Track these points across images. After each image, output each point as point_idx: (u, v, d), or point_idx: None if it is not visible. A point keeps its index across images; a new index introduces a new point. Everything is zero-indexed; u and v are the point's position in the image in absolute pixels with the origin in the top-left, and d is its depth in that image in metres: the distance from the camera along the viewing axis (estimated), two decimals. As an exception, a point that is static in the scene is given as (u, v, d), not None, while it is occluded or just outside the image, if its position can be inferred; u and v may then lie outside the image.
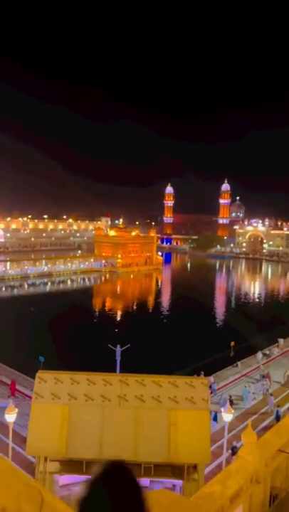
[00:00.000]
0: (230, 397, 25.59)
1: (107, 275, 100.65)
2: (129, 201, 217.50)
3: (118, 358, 26.81)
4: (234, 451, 18.73)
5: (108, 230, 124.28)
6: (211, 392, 26.29)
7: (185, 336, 44.13)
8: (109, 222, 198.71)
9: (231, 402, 23.69)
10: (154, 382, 9.61)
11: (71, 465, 8.48)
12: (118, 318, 55.68)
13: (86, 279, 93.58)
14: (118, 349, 27.07)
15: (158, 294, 79.61)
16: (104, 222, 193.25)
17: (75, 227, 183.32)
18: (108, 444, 8.53)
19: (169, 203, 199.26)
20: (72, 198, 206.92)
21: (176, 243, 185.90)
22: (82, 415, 8.90)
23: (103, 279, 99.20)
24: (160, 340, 42.23)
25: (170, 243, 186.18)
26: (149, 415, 9.12)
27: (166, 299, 72.72)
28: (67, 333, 43.83)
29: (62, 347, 38.08)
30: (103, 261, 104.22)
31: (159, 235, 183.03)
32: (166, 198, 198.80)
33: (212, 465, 17.61)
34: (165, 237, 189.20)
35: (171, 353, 36.84)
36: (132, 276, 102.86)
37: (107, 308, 62.15)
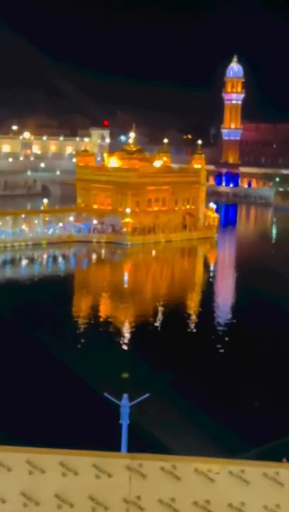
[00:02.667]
0: None
1: (104, 251, 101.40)
2: (148, 97, 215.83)
3: (125, 422, 27.36)
4: None
5: (106, 156, 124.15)
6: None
7: (260, 378, 45.28)
8: (108, 140, 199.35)
9: None
10: (198, 473, 9.83)
11: None
12: (124, 342, 56.50)
13: (59, 259, 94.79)
14: (125, 403, 27.53)
15: (207, 294, 79.94)
16: (96, 140, 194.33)
17: (36, 149, 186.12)
18: None
19: (235, 98, 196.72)
20: (33, 88, 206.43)
21: (249, 184, 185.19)
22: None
23: (95, 257, 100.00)
24: (208, 388, 43.30)
25: (235, 184, 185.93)
26: None
27: (223, 304, 73.16)
28: (20, 369, 45.09)
29: (12, 397, 39.25)
30: (94, 221, 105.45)
31: (212, 168, 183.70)
32: (229, 89, 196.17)
33: None
34: (225, 171, 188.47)
35: (231, 412, 38.05)
36: (153, 252, 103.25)
37: (101, 321, 63.05)
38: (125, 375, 43.44)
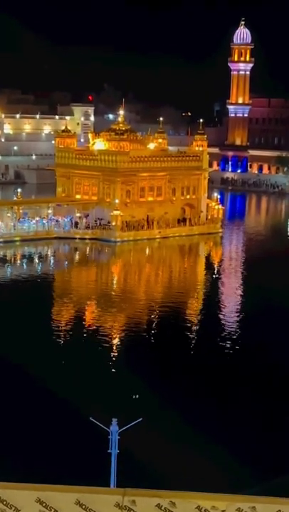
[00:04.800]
0: None
1: (88, 249, 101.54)
2: (140, 68, 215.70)
3: (114, 451, 27.46)
4: None
5: (90, 136, 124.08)
6: None
7: (274, 399, 45.67)
8: (93, 119, 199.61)
9: None
10: (200, 511, 9.97)
11: None
12: (112, 356, 56.85)
13: (36, 259, 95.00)
14: (114, 429, 27.62)
15: (210, 299, 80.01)
16: (79, 119, 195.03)
17: (8, 128, 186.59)
18: None
19: (243, 68, 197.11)
20: (4, 59, 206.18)
21: (259, 170, 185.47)
22: None
23: (77, 257, 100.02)
24: (214, 407, 43.65)
25: (244, 170, 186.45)
26: None
27: (230, 313, 73.21)
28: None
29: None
30: (78, 214, 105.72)
31: (216, 150, 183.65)
32: (236, 58, 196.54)
33: None
34: (231, 154, 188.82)
35: (238, 439, 38.11)
36: (147, 251, 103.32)
37: (85, 331, 63.27)
38: (114, 397, 43.58)
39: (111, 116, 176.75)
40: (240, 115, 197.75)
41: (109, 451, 27.41)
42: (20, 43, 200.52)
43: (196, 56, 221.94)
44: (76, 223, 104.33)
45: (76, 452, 34.96)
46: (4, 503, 9.85)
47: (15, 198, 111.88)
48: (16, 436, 38.05)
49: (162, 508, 9.67)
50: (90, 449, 30.60)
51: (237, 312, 73.68)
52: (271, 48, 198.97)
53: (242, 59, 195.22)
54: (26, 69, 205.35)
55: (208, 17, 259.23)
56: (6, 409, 42.17)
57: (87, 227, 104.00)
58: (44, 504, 9.82)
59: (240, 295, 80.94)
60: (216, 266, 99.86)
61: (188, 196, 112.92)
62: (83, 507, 9.53)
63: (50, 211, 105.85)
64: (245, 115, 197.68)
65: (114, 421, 27.84)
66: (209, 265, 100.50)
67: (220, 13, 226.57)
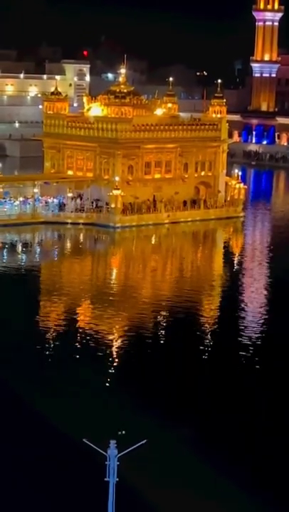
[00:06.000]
0: None
1: (82, 235, 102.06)
2: (144, 18, 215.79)
3: (112, 478, 27.73)
4: None
5: (85, 100, 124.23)
6: None
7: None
8: (89, 78, 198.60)
9: None
10: None
11: None
12: (110, 365, 57.10)
13: (19, 247, 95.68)
14: (112, 453, 27.93)
15: (229, 296, 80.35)
16: (72, 78, 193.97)
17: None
18: None
19: (270, 18, 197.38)
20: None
21: (288, 141, 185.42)
22: None
23: (69, 245, 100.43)
24: (227, 428, 44.04)
25: (270, 141, 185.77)
26: None
27: (253, 312, 73.62)
28: None
29: None
30: (69, 194, 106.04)
31: (237, 117, 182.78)
32: (262, 5, 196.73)
33: None
34: (256, 122, 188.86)
35: (256, 464, 38.73)
36: (153, 239, 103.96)
37: (79, 334, 63.57)
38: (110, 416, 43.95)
39: (110, 75, 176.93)
40: (267, 75, 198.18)
41: (106, 479, 27.74)
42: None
43: (213, 4, 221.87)
44: (62, 205, 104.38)
45: (69, 483, 35.31)
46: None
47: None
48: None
49: None
50: (85, 477, 30.78)
51: (261, 314, 74.00)
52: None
53: (269, 7, 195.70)
54: (8, 20, 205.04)
55: None
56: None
57: (81, 210, 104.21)
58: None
59: (266, 293, 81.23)
60: (236, 257, 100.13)
61: (203, 173, 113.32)
62: None
63: (36, 190, 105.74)
64: (273, 75, 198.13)
65: (113, 443, 28.20)
66: (228, 256, 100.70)
67: None
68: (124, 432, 28.90)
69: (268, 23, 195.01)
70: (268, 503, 34.70)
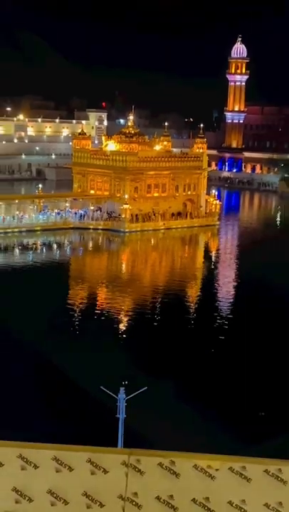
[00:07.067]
0: None
1: (101, 238, 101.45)
2: (148, 78, 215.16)
3: (121, 416, 27.52)
4: None
5: (103, 139, 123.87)
6: None
7: (265, 371, 45.33)
8: (106, 123, 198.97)
9: None
10: (197, 469, 9.82)
11: None
12: (121, 333, 56.79)
13: (54, 246, 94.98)
14: (122, 396, 27.69)
15: (208, 283, 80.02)
16: (94, 123, 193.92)
17: (31, 131, 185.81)
18: None
19: (239, 79, 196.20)
20: (28, 69, 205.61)
21: (252, 170, 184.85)
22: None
23: (91, 245, 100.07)
24: (211, 378, 43.60)
25: (239, 170, 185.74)
26: None
27: (225, 297, 73.16)
28: (12, 359, 45.41)
29: (3, 389, 39.45)
30: (91, 207, 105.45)
31: (214, 152, 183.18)
32: (233, 70, 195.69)
33: None
34: (228, 156, 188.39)
35: (233, 408, 38.26)
36: (152, 241, 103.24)
37: (97, 311, 63.20)
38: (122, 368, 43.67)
39: (122, 121, 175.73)
40: (236, 121, 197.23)
41: (117, 416, 27.49)
42: (43, 58, 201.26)
43: (198, 69, 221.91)
44: (86, 215, 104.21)
45: (88, 418, 35.05)
46: (25, 460, 9.97)
47: (37, 193, 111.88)
48: (37, 403, 38.19)
49: (163, 467, 9.71)
50: (101, 415, 30.61)
51: (231, 291, 73.86)
52: (264, 62, 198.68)
53: (238, 71, 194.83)
54: (48, 78, 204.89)
55: (209, 36, 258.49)
56: (28, 380, 42.23)
57: (100, 219, 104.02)
58: (59, 462, 9.91)
59: (234, 280, 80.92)
60: (213, 254, 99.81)
61: (189, 192, 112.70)
62: (94, 465, 9.61)
63: (67, 204, 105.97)
64: (241, 121, 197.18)
65: (122, 389, 27.95)
66: (207, 253, 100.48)
67: (219, 33, 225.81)
68: (126, 382, 28.73)
69: (237, 83, 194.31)
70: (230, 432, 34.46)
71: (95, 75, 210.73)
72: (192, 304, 69.41)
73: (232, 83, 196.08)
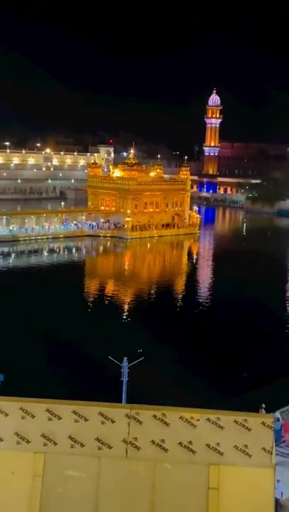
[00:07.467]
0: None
1: (109, 243, 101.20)
2: (145, 120, 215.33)
3: (125, 379, 27.28)
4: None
5: (111, 167, 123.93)
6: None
7: (235, 345, 44.97)
8: (113, 155, 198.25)
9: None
10: (182, 420, 9.72)
11: None
12: (125, 315, 56.44)
13: (74, 249, 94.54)
14: (125, 364, 27.46)
15: (191, 277, 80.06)
16: (103, 155, 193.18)
17: (55, 162, 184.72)
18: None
19: (214, 122, 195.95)
20: (52, 113, 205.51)
21: (224, 191, 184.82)
22: (65, 470, 9.10)
23: (101, 249, 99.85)
24: (194, 350, 43.24)
25: (214, 191, 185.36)
26: (175, 473, 9.25)
27: (204, 286, 73.05)
28: (42, 336, 44.87)
29: (35, 359, 39.19)
30: (102, 220, 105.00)
31: (195, 178, 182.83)
32: (210, 115, 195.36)
33: None
34: (206, 180, 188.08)
35: (211, 373, 37.78)
36: (148, 245, 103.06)
37: (107, 299, 62.98)
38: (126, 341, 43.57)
39: (125, 153, 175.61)
40: (212, 154, 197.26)
41: (121, 379, 27.30)
42: (62, 108, 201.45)
43: (184, 114, 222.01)
44: (95, 226, 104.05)
45: (99, 380, 34.85)
46: (51, 413, 9.80)
47: (60, 209, 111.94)
48: (59, 366, 37.88)
49: (157, 418, 9.63)
50: (109, 380, 30.41)
51: (208, 284, 73.78)
52: (234, 108, 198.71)
53: (213, 116, 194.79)
54: (69, 120, 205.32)
55: (191, 89, 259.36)
56: (51, 350, 41.87)
57: (105, 229, 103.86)
58: (77, 414, 9.76)
59: (211, 274, 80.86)
60: (194, 255, 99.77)
61: (176, 208, 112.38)
62: (103, 416, 9.49)
63: (83, 217, 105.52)
64: (216, 154, 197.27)
65: (125, 359, 27.76)
66: (190, 255, 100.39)
67: (200, 87, 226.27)
68: (141, 350, 28.49)
69: (212, 125, 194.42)
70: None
71: (107, 119, 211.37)
72: (179, 293, 69.35)
73: (209, 125, 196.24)
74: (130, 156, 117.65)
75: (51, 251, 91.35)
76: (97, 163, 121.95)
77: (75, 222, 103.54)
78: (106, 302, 60.96)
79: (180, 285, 74.29)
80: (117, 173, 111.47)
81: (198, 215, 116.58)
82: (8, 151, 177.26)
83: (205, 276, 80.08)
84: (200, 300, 63.94)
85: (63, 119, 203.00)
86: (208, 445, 9.37)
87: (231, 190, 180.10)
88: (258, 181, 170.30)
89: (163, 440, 9.26)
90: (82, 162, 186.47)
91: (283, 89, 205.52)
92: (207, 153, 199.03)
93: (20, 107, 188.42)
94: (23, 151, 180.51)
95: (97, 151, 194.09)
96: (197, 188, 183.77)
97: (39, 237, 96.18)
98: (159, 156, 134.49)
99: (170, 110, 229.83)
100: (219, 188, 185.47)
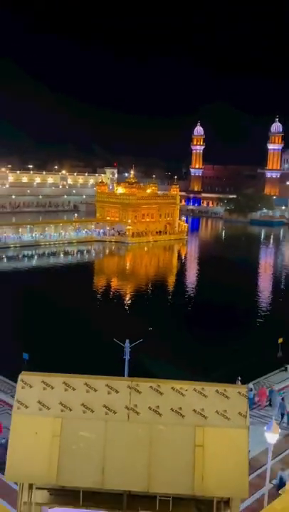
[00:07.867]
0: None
1: (113, 247, 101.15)
2: (143, 147, 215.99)
3: (127, 357, 27.21)
4: (280, 482, 19.13)
5: (115, 185, 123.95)
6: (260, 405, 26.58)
7: (216, 329, 44.65)
8: (116, 175, 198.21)
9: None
10: (174, 390, 9.64)
11: (64, 495, 8.68)
12: (127, 305, 56.35)
13: (85, 252, 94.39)
14: (127, 345, 27.39)
15: (180, 273, 79.99)
16: (109, 175, 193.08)
17: (70, 181, 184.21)
18: (112, 470, 8.68)
19: (198, 148, 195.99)
20: (67, 141, 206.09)
21: (207, 204, 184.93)
22: (78, 431, 9.02)
23: (107, 251, 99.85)
24: (183, 334, 43.04)
25: (199, 204, 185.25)
26: (168, 433, 9.19)
27: (191, 281, 73.03)
28: (60, 322, 44.72)
29: (54, 341, 39.02)
30: (108, 228, 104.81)
31: (183, 193, 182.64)
32: (195, 142, 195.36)
33: (250, 500, 17.98)
34: (192, 196, 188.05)
35: (197, 352, 37.54)
36: (146, 248, 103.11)
37: (112, 292, 62.89)
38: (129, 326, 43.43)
39: (126, 174, 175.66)
40: (197, 174, 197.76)
41: (124, 357, 27.23)
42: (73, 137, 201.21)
43: (173, 142, 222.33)
44: (102, 233, 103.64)
45: (106, 358, 34.73)
46: (66, 385, 9.78)
47: (73, 219, 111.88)
48: (73, 346, 37.76)
49: (153, 388, 9.62)
50: (114, 358, 30.36)
51: (194, 279, 73.66)
52: (214, 137, 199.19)
53: (198, 143, 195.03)
54: (79, 149, 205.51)
55: (179, 121, 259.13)
56: (66, 333, 41.71)
57: (110, 235, 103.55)
58: (88, 385, 9.73)
59: (197, 272, 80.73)
60: (183, 257, 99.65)
61: (168, 218, 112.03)
62: (109, 387, 9.46)
63: (93, 226, 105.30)
64: (200, 174, 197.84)
65: (127, 341, 27.72)
66: (180, 256, 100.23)
67: (185, 119, 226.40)
68: (151, 329, 27.84)
69: (197, 151, 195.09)
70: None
71: (110, 144, 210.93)
72: (171, 287, 69.19)
73: (194, 151, 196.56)
74: (131, 176, 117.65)
75: (66, 253, 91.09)
76: (104, 182, 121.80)
77: (86, 229, 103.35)
78: (111, 295, 60.89)
79: (171, 281, 74.22)
80: (120, 190, 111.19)
81: (185, 224, 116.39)
82: (31, 172, 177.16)
83: (191, 273, 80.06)
84: (188, 291, 63.93)
85: (77, 146, 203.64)
86: (194, 410, 9.39)
87: (213, 204, 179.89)
88: (234, 196, 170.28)
89: (158, 406, 9.25)
90: (91, 181, 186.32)
91: (250, 116, 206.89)
92: (193, 174, 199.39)
93: (39, 139, 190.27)
94: (44, 173, 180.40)
95: (104, 172, 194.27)
96: (185, 202, 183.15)
97: (57, 242, 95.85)
98: (154, 176, 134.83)
99: (163, 138, 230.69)
100: (203, 202, 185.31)
